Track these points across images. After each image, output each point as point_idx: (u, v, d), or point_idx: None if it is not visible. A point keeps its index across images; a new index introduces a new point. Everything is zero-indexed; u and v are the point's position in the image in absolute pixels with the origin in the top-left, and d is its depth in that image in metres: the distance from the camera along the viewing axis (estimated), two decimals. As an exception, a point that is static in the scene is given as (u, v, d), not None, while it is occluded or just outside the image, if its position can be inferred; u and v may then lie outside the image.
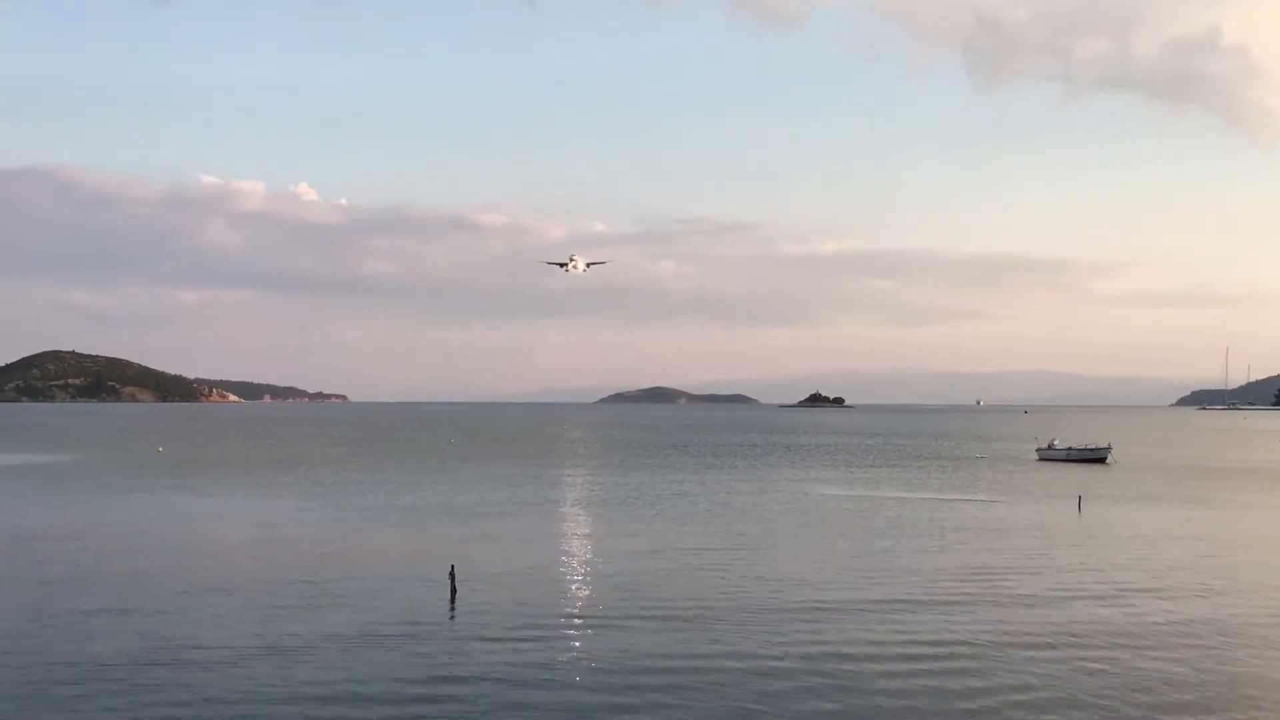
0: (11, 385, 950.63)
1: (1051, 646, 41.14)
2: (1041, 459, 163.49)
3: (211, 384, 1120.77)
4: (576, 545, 68.91)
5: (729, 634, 42.94)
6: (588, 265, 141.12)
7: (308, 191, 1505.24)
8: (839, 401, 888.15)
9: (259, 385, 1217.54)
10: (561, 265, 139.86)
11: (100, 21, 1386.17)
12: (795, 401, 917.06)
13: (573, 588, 53.26)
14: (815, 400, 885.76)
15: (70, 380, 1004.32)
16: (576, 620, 45.61)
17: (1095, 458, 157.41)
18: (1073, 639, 42.43)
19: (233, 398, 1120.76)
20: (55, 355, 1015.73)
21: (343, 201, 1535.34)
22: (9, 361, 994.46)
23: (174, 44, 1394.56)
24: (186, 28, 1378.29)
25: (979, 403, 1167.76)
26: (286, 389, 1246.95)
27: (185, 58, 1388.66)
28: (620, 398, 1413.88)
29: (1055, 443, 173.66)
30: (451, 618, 46.21)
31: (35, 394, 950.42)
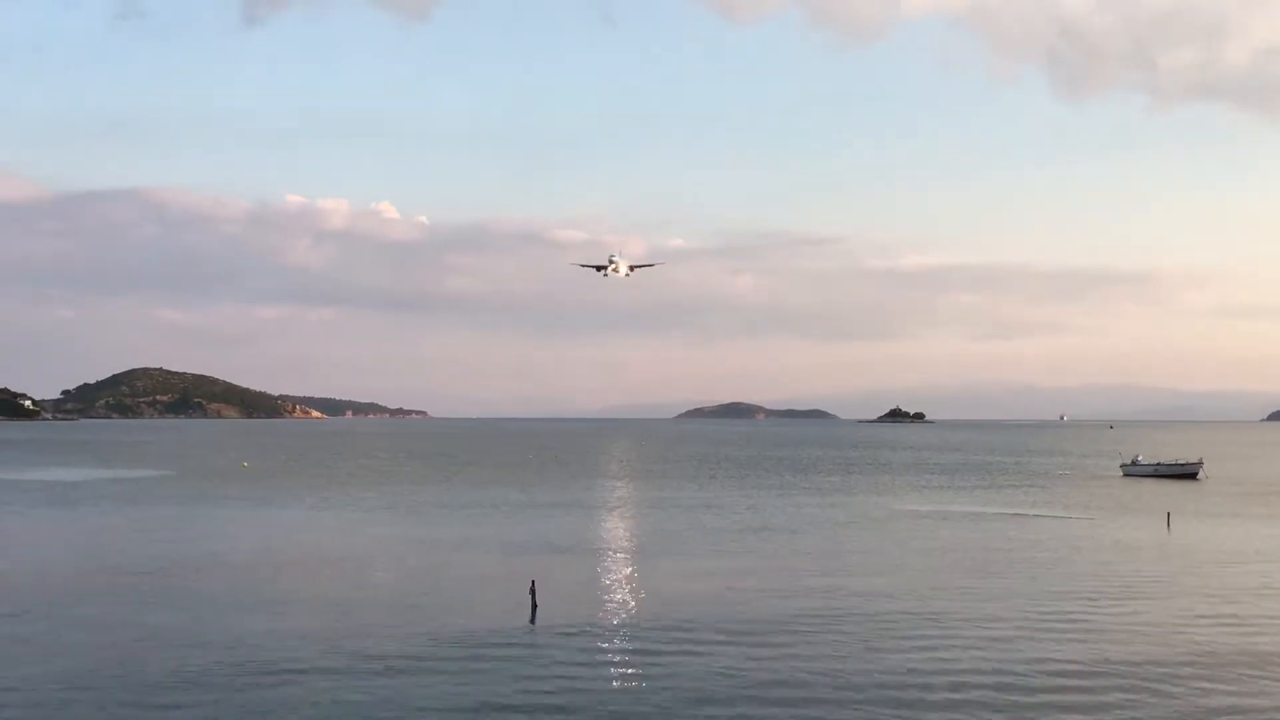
0: (101, 402, 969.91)
1: (1154, 661, 40.41)
2: (1126, 475, 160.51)
3: (294, 400, 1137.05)
4: (654, 561, 68.71)
5: (811, 653, 42.62)
6: (631, 268, 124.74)
7: (388, 209, 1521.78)
8: (919, 416, 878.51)
9: (341, 401, 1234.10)
10: (599, 269, 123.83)
11: (189, 47, 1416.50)
12: (875, 417, 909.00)
13: (652, 604, 53.10)
14: (895, 415, 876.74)
15: (158, 397, 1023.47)
16: (656, 637, 45.42)
17: (1186, 473, 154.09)
18: (1171, 657, 41.64)
19: (315, 414, 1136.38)
20: (144, 372, 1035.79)
21: (423, 219, 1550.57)
22: (100, 378, 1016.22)
23: (260, 67, 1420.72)
24: (273, 51, 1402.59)
25: (1063, 418, 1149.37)
26: (368, 405, 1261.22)
27: (271, 80, 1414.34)
28: (698, 413, 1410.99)
29: (1139, 459, 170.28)
30: (532, 632, 46.41)
31: (124, 410, 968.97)
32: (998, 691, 36.74)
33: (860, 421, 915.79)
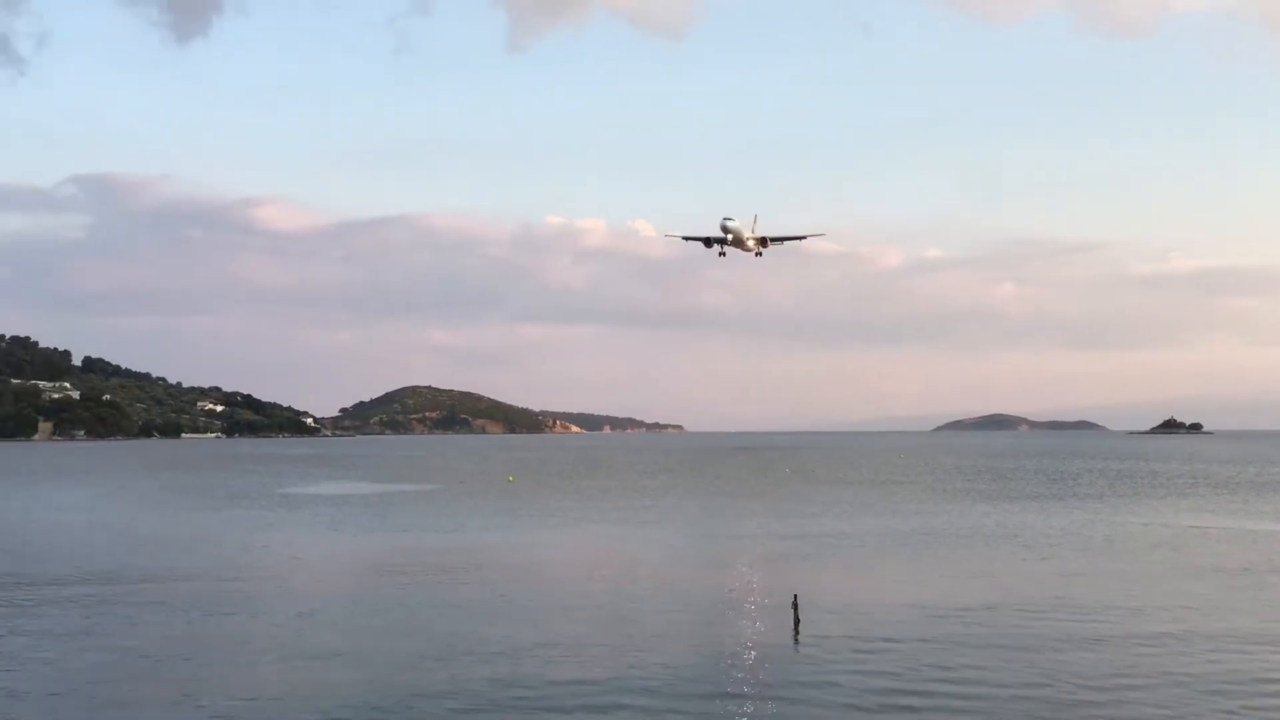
0: (375, 418, 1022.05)
1: None
2: None
3: (554, 415, 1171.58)
4: (916, 579, 67.16)
5: (1086, 671, 40.97)
6: (765, 241, 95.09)
7: (644, 226, 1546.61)
8: (1196, 427, 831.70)
9: (598, 416, 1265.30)
10: (709, 244, 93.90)
11: (457, 77, 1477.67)
12: (1148, 428, 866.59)
13: (915, 625, 51.84)
14: (1170, 426, 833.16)
15: (427, 413, 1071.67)
16: (923, 660, 44.34)
17: None
18: None
19: (574, 428, 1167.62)
20: (414, 390, 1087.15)
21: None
22: (374, 396, 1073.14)
23: (523, 92, 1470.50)
24: (535, 77, 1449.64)
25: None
26: (625, 419, 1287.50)
27: (532, 104, 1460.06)
28: (958, 425, 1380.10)
29: None
30: (795, 647, 46.08)
31: (396, 426, 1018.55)
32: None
33: (1131, 433, 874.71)
